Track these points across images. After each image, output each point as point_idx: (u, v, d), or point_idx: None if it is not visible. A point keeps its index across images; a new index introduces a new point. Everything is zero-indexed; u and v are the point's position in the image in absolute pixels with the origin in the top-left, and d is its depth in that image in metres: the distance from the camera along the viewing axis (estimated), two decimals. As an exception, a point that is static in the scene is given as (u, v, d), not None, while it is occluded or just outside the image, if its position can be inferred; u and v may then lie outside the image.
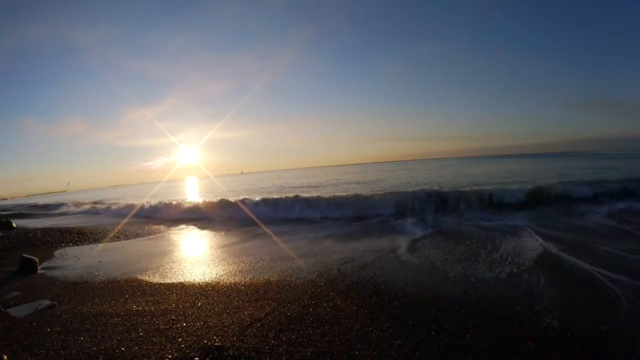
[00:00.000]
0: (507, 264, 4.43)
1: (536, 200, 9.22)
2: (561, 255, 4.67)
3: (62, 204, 22.85)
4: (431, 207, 9.10)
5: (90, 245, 8.06)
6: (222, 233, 8.56)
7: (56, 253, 7.26)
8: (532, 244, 5.33)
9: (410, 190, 11.26)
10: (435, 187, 12.61)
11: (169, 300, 3.98)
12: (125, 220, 12.64)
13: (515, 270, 4.18)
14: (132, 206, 16.32)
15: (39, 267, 5.76)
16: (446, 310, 3.25)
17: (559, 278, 3.87)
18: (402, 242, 6.05)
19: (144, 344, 2.87)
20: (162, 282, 4.74)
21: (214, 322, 3.24)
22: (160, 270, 5.37)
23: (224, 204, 12.79)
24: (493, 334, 2.75)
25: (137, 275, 5.11)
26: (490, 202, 9.24)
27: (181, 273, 5.16)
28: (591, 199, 8.98)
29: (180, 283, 4.65)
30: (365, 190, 13.71)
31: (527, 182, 12.80)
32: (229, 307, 3.64)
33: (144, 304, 3.88)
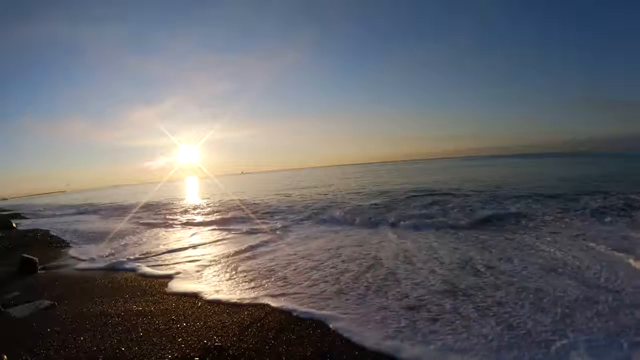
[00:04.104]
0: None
1: None
2: None
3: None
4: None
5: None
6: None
7: (56, 253, 7.26)
8: None
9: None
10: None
11: (169, 300, 3.98)
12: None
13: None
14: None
15: (39, 267, 5.76)
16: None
17: None
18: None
19: (144, 344, 2.87)
20: (162, 282, 4.74)
21: (214, 322, 3.24)
22: (161, 270, 5.36)
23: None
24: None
25: (137, 275, 5.11)
26: None
27: (181, 272, 5.15)
28: None
29: (181, 282, 4.64)
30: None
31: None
32: (229, 307, 3.64)
33: (144, 304, 3.88)
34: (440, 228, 6.91)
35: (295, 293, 3.91)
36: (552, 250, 4.79)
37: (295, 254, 5.80)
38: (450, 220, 7.50)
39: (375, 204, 11.02)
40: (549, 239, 5.44)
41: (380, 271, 4.47)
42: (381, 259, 5.02)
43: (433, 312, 3.15)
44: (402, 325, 2.95)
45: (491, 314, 3.02)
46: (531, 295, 3.34)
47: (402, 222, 7.66)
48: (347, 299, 3.61)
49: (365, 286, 3.96)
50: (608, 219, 6.52)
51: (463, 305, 3.24)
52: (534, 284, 3.61)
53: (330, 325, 3.03)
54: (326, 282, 4.21)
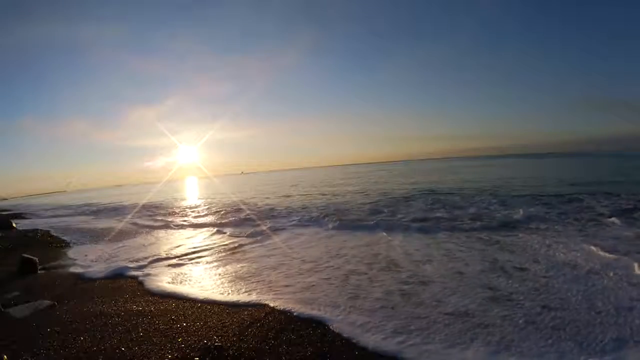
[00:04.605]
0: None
1: None
2: None
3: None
4: None
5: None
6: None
7: (57, 253, 7.26)
8: None
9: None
10: None
11: (169, 300, 3.98)
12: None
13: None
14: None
15: (39, 267, 5.75)
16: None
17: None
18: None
19: (144, 344, 2.87)
20: (161, 281, 4.74)
21: (214, 322, 3.24)
22: (161, 270, 5.36)
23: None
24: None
25: (137, 275, 5.10)
26: None
27: (181, 273, 5.16)
28: None
29: (181, 282, 4.65)
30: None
31: None
32: (229, 307, 3.64)
33: (144, 304, 3.88)
34: (448, 230, 6.77)
35: (296, 293, 3.91)
36: (574, 253, 4.61)
37: (296, 255, 5.80)
38: (457, 221, 7.41)
39: (378, 205, 11.00)
40: (560, 239, 5.35)
41: (398, 273, 4.45)
42: (394, 260, 5.00)
43: (478, 318, 2.95)
44: (447, 332, 2.75)
45: (544, 320, 2.83)
46: (575, 299, 3.19)
47: (409, 224, 7.56)
48: (351, 300, 3.61)
49: (374, 287, 3.93)
50: (614, 220, 6.45)
51: (509, 310, 3.04)
52: (575, 287, 3.49)
53: (331, 326, 3.03)
54: (330, 283, 4.20)
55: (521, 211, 7.84)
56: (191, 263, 5.73)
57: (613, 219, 6.51)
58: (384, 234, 6.93)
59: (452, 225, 7.09)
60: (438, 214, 8.44)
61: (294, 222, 9.18)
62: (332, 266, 4.90)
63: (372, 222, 8.08)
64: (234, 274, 4.87)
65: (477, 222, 7.14)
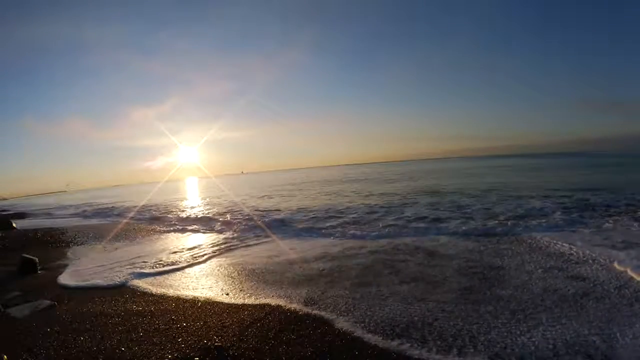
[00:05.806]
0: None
1: None
2: None
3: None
4: None
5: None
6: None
7: (57, 253, 7.25)
8: None
9: None
10: None
11: (169, 300, 3.98)
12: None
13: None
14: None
15: (39, 267, 5.75)
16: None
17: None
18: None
19: (144, 344, 2.87)
20: (162, 282, 4.74)
21: (214, 322, 3.24)
22: (160, 270, 5.36)
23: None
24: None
25: (137, 276, 5.10)
26: None
27: (181, 273, 5.15)
28: None
29: (181, 283, 4.64)
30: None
31: None
32: (229, 307, 3.64)
33: (144, 304, 3.88)
34: (460, 232, 6.56)
35: (296, 293, 3.91)
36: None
37: (296, 256, 5.80)
38: (468, 222, 7.29)
39: (381, 206, 10.95)
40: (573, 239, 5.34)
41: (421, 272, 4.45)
42: (406, 259, 5.00)
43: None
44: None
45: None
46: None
47: (415, 225, 7.50)
48: (352, 301, 3.61)
49: (378, 289, 3.94)
50: (621, 219, 6.48)
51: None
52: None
53: (331, 326, 3.02)
54: (331, 283, 4.21)
55: (532, 212, 7.86)
56: (191, 263, 5.72)
57: (618, 218, 6.57)
58: (390, 234, 6.93)
59: (462, 226, 6.95)
60: (447, 216, 8.27)
61: (295, 223, 9.15)
62: (333, 267, 4.91)
63: (377, 224, 8.07)
64: (234, 275, 4.88)
65: (488, 223, 7.05)
